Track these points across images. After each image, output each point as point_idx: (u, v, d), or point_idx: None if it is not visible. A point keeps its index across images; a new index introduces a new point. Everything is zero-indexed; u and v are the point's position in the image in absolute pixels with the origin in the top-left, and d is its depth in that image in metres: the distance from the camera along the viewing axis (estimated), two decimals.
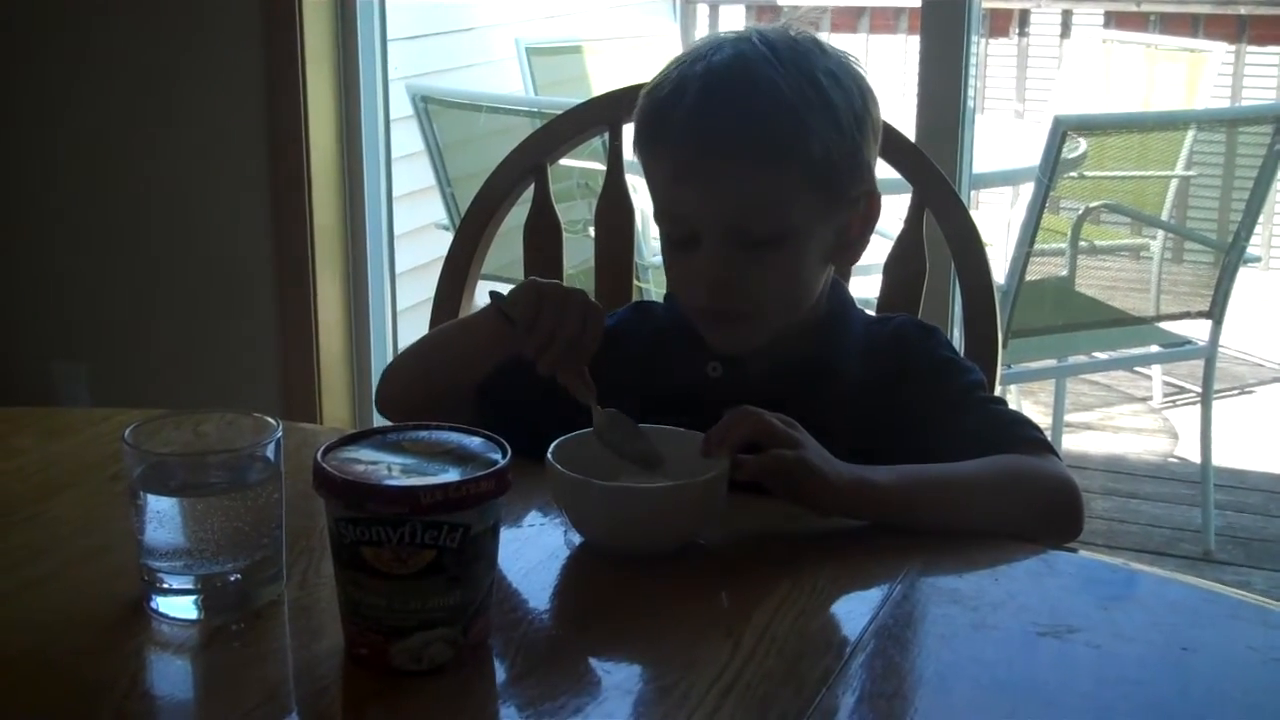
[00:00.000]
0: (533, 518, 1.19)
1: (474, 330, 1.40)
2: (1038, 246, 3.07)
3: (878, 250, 1.65)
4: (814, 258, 1.33)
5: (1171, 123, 3.47)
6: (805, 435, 1.19)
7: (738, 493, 1.16)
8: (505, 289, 1.29)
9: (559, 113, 1.71)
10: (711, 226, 1.28)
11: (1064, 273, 3.23)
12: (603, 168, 1.69)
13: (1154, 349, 3.46)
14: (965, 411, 1.31)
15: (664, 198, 1.32)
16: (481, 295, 1.72)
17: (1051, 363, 3.40)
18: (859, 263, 1.54)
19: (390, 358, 3.24)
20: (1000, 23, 5.68)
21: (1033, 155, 3.11)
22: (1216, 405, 3.37)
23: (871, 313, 1.49)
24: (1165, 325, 3.29)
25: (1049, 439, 1.31)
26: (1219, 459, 3.38)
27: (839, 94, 1.29)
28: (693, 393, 1.30)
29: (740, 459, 1.16)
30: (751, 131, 1.26)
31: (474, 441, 1.01)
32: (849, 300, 1.41)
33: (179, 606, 1.04)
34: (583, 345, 1.25)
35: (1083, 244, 3.26)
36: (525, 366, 1.26)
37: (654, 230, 1.41)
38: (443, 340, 1.48)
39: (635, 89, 1.38)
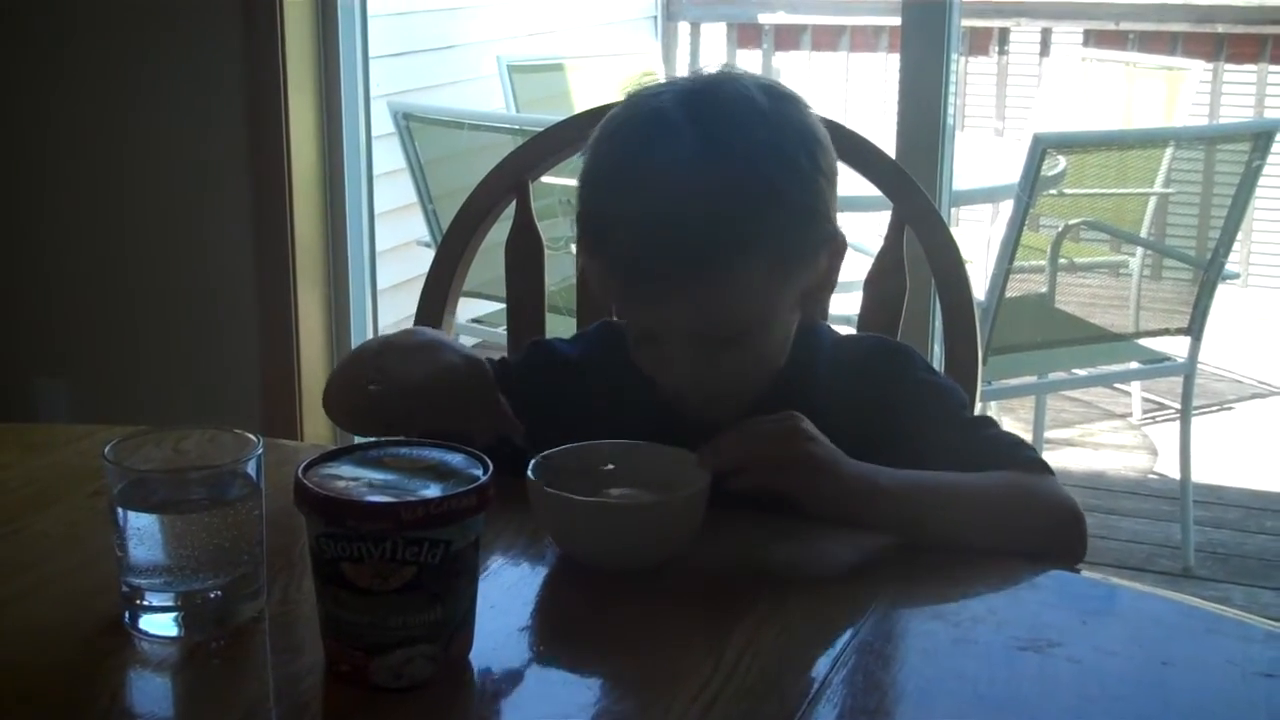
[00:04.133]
0: (514, 533, 1.19)
1: None
2: (1017, 263, 3.08)
3: (858, 267, 1.66)
4: (778, 328, 1.29)
5: (1150, 140, 3.48)
6: (812, 428, 1.17)
7: (719, 508, 1.16)
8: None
9: (541, 130, 1.71)
10: (669, 331, 1.25)
11: (1044, 290, 3.24)
12: None
13: (1133, 365, 3.48)
14: (954, 432, 1.30)
15: (615, 303, 1.29)
16: (464, 312, 1.73)
17: (1031, 379, 3.41)
18: (840, 279, 1.54)
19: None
20: (980, 41, 5.70)
21: (1012, 172, 3.12)
22: (1195, 421, 3.38)
23: (850, 330, 1.49)
24: (1144, 342, 3.31)
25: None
26: (1198, 475, 3.39)
27: (782, 173, 1.23)
28: (672, 421, 1.26)
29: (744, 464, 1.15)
30: (694, 253, 1.20)
31: (455, 458, 1.01)
32: (815, 320, 1.39)
33: (159, 623, 1.03)
34: (480, 401, 1.21)
35: (1062, 261, 3.27)
36: None
37: None
38: (364, 396, 1.36)
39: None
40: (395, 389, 1.23)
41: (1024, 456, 1.28)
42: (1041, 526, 1.23)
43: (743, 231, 1.21)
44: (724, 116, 1.24)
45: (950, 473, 1.23)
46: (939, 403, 1.33)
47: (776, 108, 1.26)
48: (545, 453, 1.18)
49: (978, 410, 1.49)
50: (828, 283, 1.33)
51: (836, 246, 1.31)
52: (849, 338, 1.43)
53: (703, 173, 1.21)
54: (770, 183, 1.22)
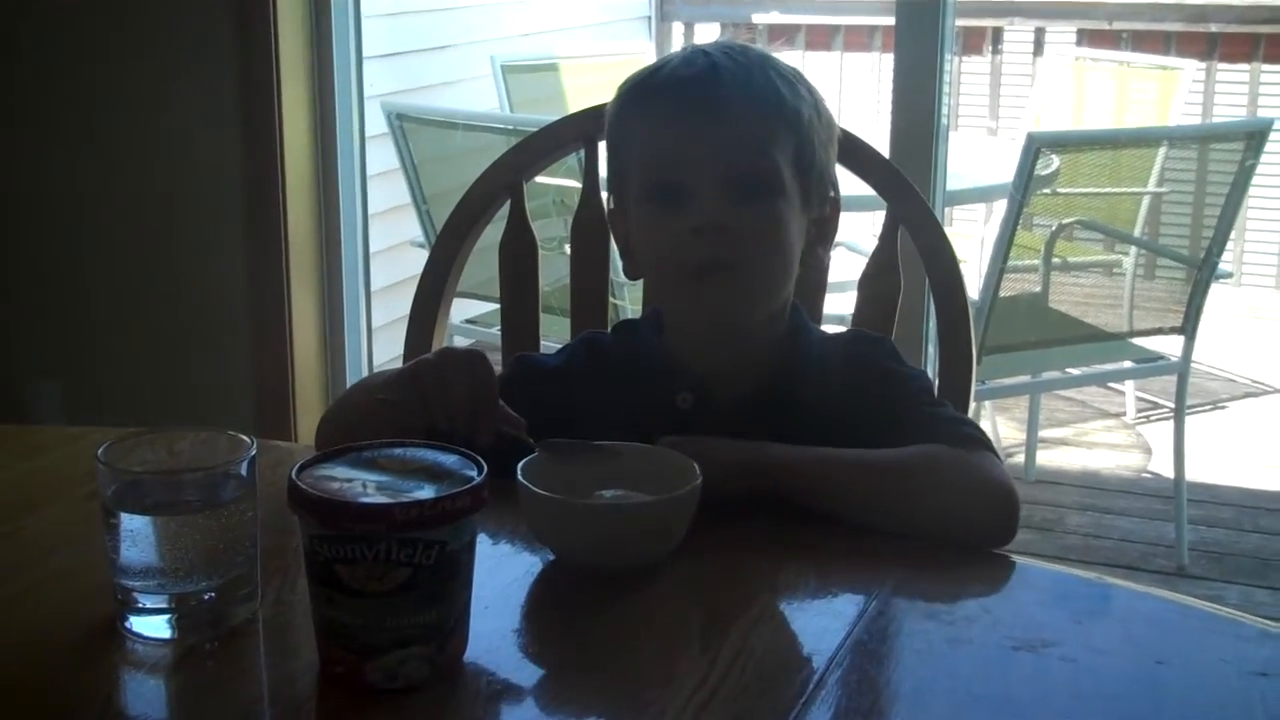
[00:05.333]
0: (509, 534, 1.19)
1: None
2: (1011, 263, 3.09)
3: (852, 266, 1.66)
4: (795, 229, 1.32)
5: (1143, 140, 3.49)
6: (683, 440, 1.22)
7: (711, 508, 1.16)
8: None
9: (534, 130, 1.71)
10: (703, 170, 1.28)
11: (1037, 289, 3.24)
12: (578, 185, 1.69)
13: (1127, 365, 3.48)
14: (906, 418, 1.31)
15: (658, 145, 1.32)
16: (458, 312, 1.73)
17: (1025, 379, 3.41)
18: (834, 279, 1.55)
19: (365, 375, 3.24)
20: (973, 40, 5.70)
21: (1006, 172, 3.12)
22: (1189, 420, 3.38)
23: (842, 328, 1.50)
24: (1138, 341, 3.31)
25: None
26: (1192, 474, 3.39)
27: (808, 92, 1.34)
28: (662, 425, 1.26)
29: None
30: (751, 80, 1.30)
31: (449, 459, 1.01)
32: (806, 319, 1.41)
33: (153, 625, 1.03)
34: (483, 396, 1.22)
35: (1056, 260, 3.27)
36: None
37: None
38: (364, 411, 1.36)
39: None
40: (398, 382, 1.25)
41: (962, 433, 1.29)
42: (957, 499, 1.22)
43: (788, 94, 1.31)
44: (759, 51, 1.35)
45: (870, 450, 1.24)
46: (898, 389, 1.35)
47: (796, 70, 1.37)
48: (534, 454, 1.18)
49: (971, 408, 1.50)
50: (825, 236, 1.38)
51: (836, 207, 1.38)
52: (832, 335, 1.44)
53: (746, 45, 1.35)
54: (801, 77, 1.34)
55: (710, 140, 1.29)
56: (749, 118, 1.30)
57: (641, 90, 1.35)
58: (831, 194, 1.37)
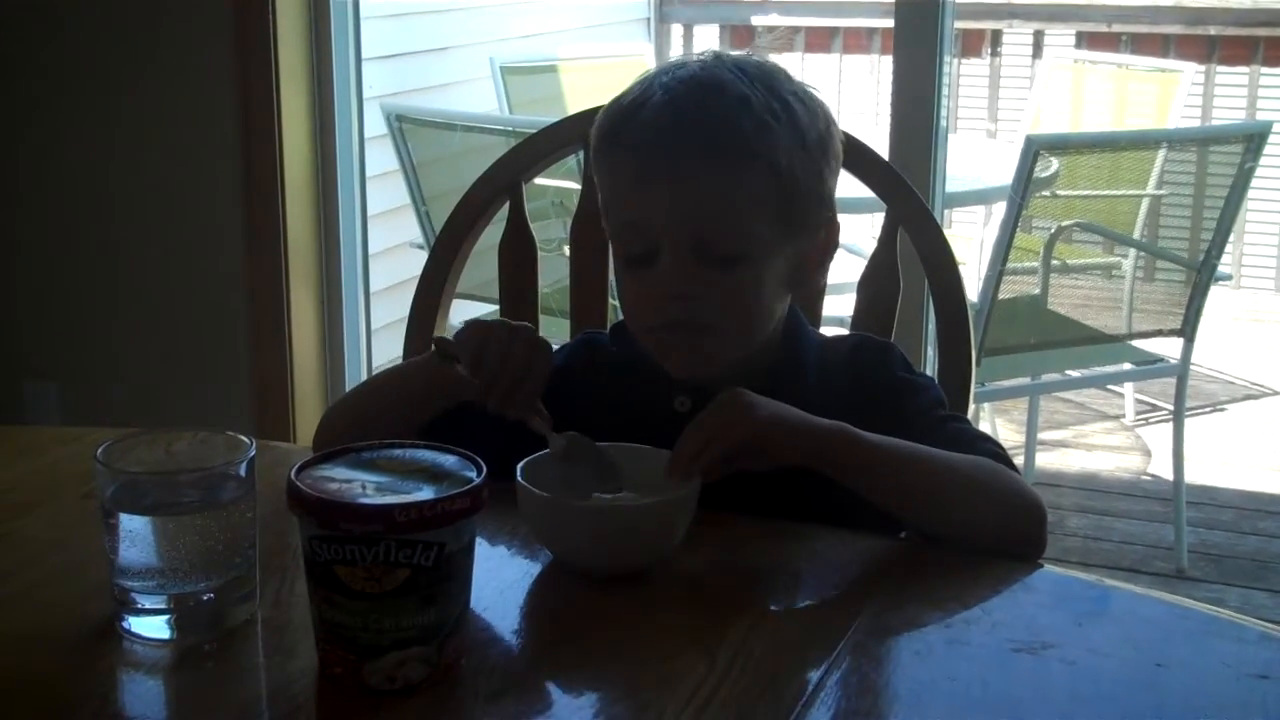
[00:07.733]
0: (508, 536, 1.19)
1: (412, 377, 1.36)
2: (1010, 265, 3.09)
3: (852, 268, 1.66)
4: (773, 283, 1.30)
5: (1143, 142, 3.49)
6: (751, 396, 1.20)
7: (710, 510, 1.16)
8: (454, 331, 1.28)
9: (534, 131, 1.71)
10: (672, 236, 1.26)
11: (1036, 291, 3.24)
12: (577, 186, 1.69)
13: (1126, 367, 3.48)
14: (926, 431, 1.30)
15: (623, 206, 1.30)
16: (457, 314, 1.73)
17: (1025, 381, 3.41)
18: (833, 281, 1.54)
19: (365, 377, 3.24)
20: (972, 43, 5.70)
21: (1005, 174, 3.12)
22: (1188, 423, 3.38)
23: (843, 331, 1.49)
24: (1137, 343, 3.31)
25: (1014, 458, 1.30)
26: (1191, 476, 3.39)
27: (805, 115, 1.28)
28: (660, 429, 1.24)
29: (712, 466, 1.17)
30: (718, 132, 1.24)
31: (449, 459, 1.01)
32: (802, 321, 1.39)
33: (151, 626, 1.03)
34: (532, 379, 1.23)
35: (1055, 263, 3.27)
36: (470, 411, 1.24)
37: None
38: (380, 387, 1.42)
39: None
40: (467, 330, 1.25)
41: (988, 449, 1.29)
42: (1006, 505, 1.22)
43: (764, 137, 1.25)
44: (758, 66, 1.31)
45: (925, 447, 1.24)
46: (912, 399, 1.34)
47: (804, 84, 1.33)
48: (533, 456, 1.18)
49: (970, 410, 1.49)
50: (820, 268, 1.36)
51: (832, 233, 1.34)
52: (833, 339, 1.44)
53: (736, 83, 1.27)
54: (794, 117, 1.27)
55: (678, 202, 1.25)
56: (716, 180, 1.25)
57: (615, 128, 1.30)
58: (828, 215, 1.34)
